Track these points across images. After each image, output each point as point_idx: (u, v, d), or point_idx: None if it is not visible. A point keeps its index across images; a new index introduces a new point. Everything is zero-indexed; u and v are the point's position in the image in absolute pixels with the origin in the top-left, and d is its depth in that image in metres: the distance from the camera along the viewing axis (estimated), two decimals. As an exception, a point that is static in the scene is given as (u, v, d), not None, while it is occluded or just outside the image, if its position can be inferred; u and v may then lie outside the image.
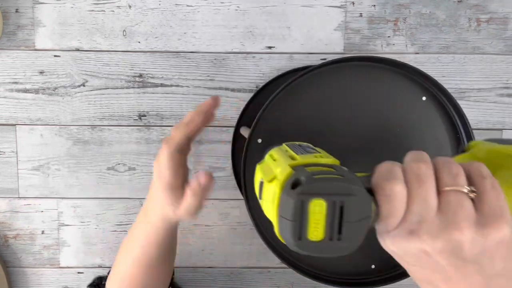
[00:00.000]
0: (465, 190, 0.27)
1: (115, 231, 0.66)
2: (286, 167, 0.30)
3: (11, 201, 0.66)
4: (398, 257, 0.30)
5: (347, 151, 0.52)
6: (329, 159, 0.31)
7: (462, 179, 0.27)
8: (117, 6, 0.63)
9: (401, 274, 0.53)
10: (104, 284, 0.55)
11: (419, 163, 0.28)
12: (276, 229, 0.29)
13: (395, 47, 0.63)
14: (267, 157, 0.35)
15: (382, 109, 0.53)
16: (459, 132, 0.53)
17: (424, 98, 0.53)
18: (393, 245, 0.29)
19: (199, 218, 0.66)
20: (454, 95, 0.64)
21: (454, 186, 0.27)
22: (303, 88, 0.53)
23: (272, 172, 0.31)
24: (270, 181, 0.30)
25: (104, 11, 0.63)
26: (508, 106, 0.64)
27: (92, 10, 0.63)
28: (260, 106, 0.52)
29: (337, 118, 0.53)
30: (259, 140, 0.51)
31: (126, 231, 0.66)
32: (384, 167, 0.29)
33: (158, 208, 0.46)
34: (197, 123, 0.44)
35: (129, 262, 0.51)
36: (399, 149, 0.53)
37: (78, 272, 0.67)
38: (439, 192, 0.27)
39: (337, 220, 0.27)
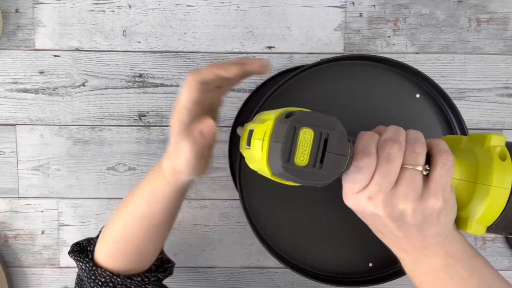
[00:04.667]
0: (420, 169, 0.33)
1: (115, 231, 0.66)
2: (279, 110, 0.35)
3: (11, 201, 0.66)
4: (357, 213, 0.37)
5: None
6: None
7: (421, 158, 0.33)
8: (117, 6, 0.63)
9: (398, 272, 0.53)
10: (92, 249, 0.51)
11: (394, 143, 0.33)
12: (264, 159, 0.33)
13: (395, 47, 0.63)
14: (255, 117, 0.40)
15: (376, 107, 0.53)
16: (453, 129, 0.53)
17: (418, 96, 0.53)
18: (354, 205, 0.35)
19: (199, 217, 0.66)
20: (454, 95, 0.64)
21: (413, 164, 0.33)
22: (297, 87, 0.53)
23: (265, 118, 0.35)
24: (263, 122, 0.34)
25: (104, 11, 0.63)
26: (508, 106, 0.64)
27: (92, 10, 0.63)
28: (256, 106, 0.52)
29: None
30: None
31: (126, 231, 0.66)
32: (364, 140, 0.34)
33: (172, 148, 0.41)
34: (232, 71, 0.38)
35: (128, 222, 0.47)
36: None
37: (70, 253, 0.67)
38: (401, 167, 0.33)
39: (321, 149, 0.32)
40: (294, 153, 0.32)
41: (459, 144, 0.40)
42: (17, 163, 0.65)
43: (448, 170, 0.33)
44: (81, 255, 0.51)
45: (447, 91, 0.64)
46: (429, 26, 0.63)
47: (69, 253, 0.53)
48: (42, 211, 0.66)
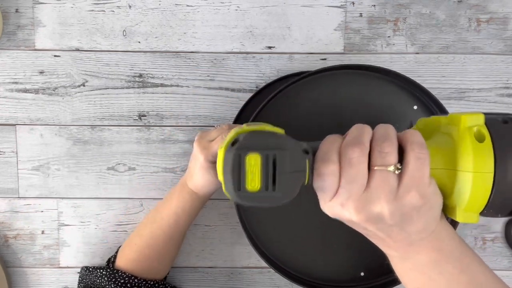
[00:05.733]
0: (391, 169, 0.31)
1: (115, 231, 0.66)
2: (233, 134, 0.35)
3: (11, 201, 0.66)
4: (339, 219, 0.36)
5: None
6: (274, 128, 0.35)
7: (391, 158, 0.31)
8: (117, 6, 0.63)
9: (391, 281, 0.53)
10: (113, 260, 0.60)
11: (355, 147, 0.31)
12: (223, 187, 0.33)
13: (395, 47, 0.63)
14: (249, 123, 0.40)
15: (374, 117, 0.53)
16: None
17: (415, 107, 0.53)
18: (330, 213, 0.34)
19: (199, 217, 0.66)
20: (454, 95, 0.64)
21: (382, 165, 0.31)
22: (294, 94, 0.53)
23: (230, 136, 0.35)
24: (220, 148, 0.34)
25: (104, 11, 0.63)
26: (508, 106, 0.64)
27: (92, 10, 0.63)
28: (254, 109, 0.52)
29: (329, 125, 0.53)
30: None
31: (126, 231, 0.66)
32: (324, 147, 0.33)
33: (199, 176, 0.52)
34: None
35: (156, 232, 0.57)
36: None
37: (78, 272, 0.67)
38: (370, 169, 0.31)
39: (271, 171, 0.31)
40: (244, 181, 0.31)
41: (439, 126, 0.37)
42: (17, 163, 0.65)
43: (422, 164, 0.31)
44: (98, 267, 0.60)
45: (447, 91, 0.64)
46: (429, 26, 0.63)
47: (83, 268, 0.62)
48: (42, 211, 0.66)
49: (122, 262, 0.58)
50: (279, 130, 0.34)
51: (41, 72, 0.64)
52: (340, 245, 0.54)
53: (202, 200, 0.57)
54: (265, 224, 0.54)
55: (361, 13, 0.63)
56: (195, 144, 0.53)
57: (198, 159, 0.52)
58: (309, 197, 0.51)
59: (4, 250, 0.66)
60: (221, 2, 0.63)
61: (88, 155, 0.65)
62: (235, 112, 0.64)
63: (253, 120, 0.53)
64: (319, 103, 0.53)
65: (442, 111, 0.52)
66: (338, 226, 0.52)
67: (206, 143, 0.52)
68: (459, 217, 0.34)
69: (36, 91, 0.64)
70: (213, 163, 0.52)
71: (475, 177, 0.32)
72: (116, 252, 0.60)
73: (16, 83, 0.64)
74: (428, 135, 0.37)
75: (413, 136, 0.32)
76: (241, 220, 0.53)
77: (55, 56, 0.63)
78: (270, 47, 0.63)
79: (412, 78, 0.63)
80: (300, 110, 0.53)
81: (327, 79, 0.53)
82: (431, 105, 0.53)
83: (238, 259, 0.67)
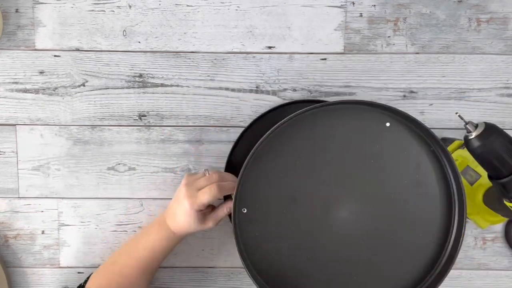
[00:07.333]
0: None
1: (115, 231, 0.66)
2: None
3: (11, 201, 0.66)
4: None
5: (330, 197, 0.55)
6: None
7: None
8: (117, 6, 0.63)
9: None
10: (83, 284, 0.60)
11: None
12: None
13: (395, 47, 0.63)
14: None
15: (352, 144, 0.54)
16: (431, 145, 0.53)
17: (388, 124, 0.53)
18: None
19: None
20: (454, 95, 0.64)
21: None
22: (270, 148, 0.53)
23: None
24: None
25: (104, 11, 0.63)
26: (508, 106, 0.64)
27: (92, 10, 0.63)
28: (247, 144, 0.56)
29: (313, 163, 0.55)
30: (244, 210, 0.54)
31: (126, 231, 0.66)
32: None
33: (181, 220, 0.55)
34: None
35: (129, 263, 0.57)
36: (379, 178, 0.55)
37: (78, 272, 0.67)
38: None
39: None
40: None
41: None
42: (17, 163, 0.65)
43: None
44: None
45: (447, 91, 0.64)
46: (429, 26, 0.63)
47: None
48: (42, 211, 0.66)
49: (93, 286, 0.58)
50: None
51: (41, 72, 0.64)
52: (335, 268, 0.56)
53: (180, 239, 0.59)
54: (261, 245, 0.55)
55: (361, 13, 0.63)
56: (182, 188, 0.55)
57: (183, 204, 0.54)
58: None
59: (4, 250, 0.66)
60: (221, 2, 0.63)
61: (88, 155, 0.65)
62: (235, 112, 0.64)
63: (249, 160, 0.53)
64: (317, 139, 0.54)
65: (413, 121, 0.52)
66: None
67: (194, 191, 0.54)
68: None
69: (36, 91, 0.64)
70: (198, 211, 0.55)
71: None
72: (88, 278, 0.60)
73: (16, 83, 0.64)
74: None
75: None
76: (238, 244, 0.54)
77: (55, 56, 0.63)
78: (270, 47, 0.63)
79: (412, 78, 0.64)
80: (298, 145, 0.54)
81: (321, 116, 0.53)
82: (400, 118, 0.53)
83: (238, 259, 0.66)
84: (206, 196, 0.53)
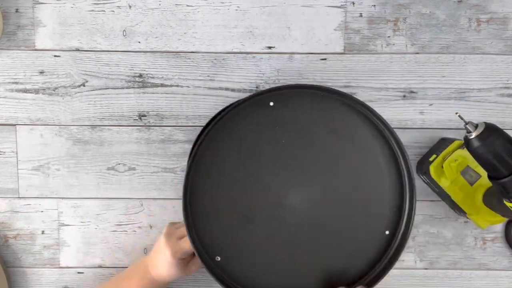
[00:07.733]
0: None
1: (115, 231, 0.66)
2: None
3: (11, 201, 0.66)
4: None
5: (284, 179, 0.58)
6: None
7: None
8: (117, 6, 0.63)
9: None
10: None
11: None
12: None
13: (395, 47, 0.63)
14: None
15: (317, 136, 0.57)
16: (393, 148, 0.57)
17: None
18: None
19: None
20: (454, 95, 0.64)
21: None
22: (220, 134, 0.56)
23: None
24: None
25: (104, 11, 0.63)
26: (508, 106, 0.64)
27: (92, 10, 0.63)
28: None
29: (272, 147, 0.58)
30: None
31: (126, 231, 0.66)
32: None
33: (164, 269, 0.57)
34: None
35: None
36: (327, 162, 0.58)
37: (78, 272, 0.67)
38: None
39: None
40: None
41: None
42: (17, 163, 0.65)
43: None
44: None
45: (447, 91, 0.64)
46: (429, 26, 0.63)
47: None
48: (42, 211, 0.66)
49: None
50: None
51: (41, 72, 0.64)
52: (307, 266, 0.58)
53: (162, 287, 0.60)
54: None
55: (361, 13, 0.63)
56: (163, 239, 0.57)
57: (164, 253, 0.56)
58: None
59: (4, 250, 0.66)
60: (221, 2, 0.63)
61: (88, 155, 0.65)
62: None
63: (193, 161, 0.55)
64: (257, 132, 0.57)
65: (373, 114, 0.55)
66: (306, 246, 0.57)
67: (175, 240, 0.57)
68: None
69: (36, 91, 0.64)
70: (180, 259, 0.57)
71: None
72: None
73: (16, 83, 0.64)
74: None
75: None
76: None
77: (55, 56, 0.63)
78: (270, 47, 0.63)
79: (412, 78, 0.64)
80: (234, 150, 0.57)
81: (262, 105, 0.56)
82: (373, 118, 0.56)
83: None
84: (188, 244, 0.55)
